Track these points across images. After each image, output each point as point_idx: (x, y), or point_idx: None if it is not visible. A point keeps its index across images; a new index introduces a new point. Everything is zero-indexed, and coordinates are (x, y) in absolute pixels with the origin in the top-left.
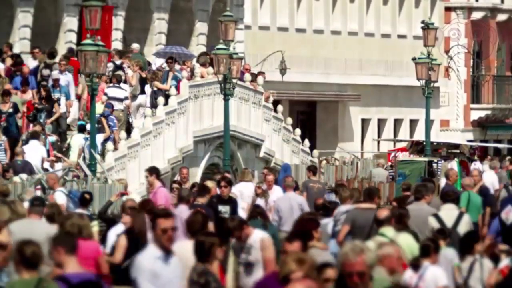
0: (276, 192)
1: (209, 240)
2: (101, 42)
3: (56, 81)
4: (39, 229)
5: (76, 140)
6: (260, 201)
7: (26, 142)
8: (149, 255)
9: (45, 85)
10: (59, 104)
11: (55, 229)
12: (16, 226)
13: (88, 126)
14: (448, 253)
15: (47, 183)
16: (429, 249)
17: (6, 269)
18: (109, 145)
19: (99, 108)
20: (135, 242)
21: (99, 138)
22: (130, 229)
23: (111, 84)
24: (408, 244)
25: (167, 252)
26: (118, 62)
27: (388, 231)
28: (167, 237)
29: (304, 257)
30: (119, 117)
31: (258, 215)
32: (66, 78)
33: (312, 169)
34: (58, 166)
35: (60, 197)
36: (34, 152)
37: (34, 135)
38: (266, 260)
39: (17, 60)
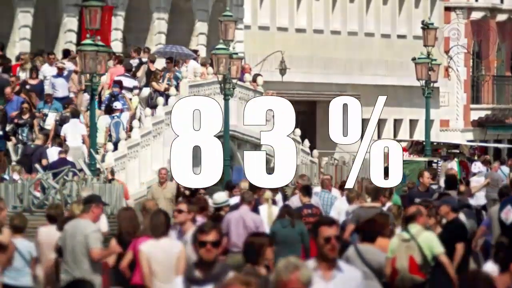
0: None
1: (258, 241)
2: (100, 42)
3: (49, 96)
4: (79, 228)
5: (103, 121)
6: None
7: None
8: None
9: (29, 97)
10: (44, 120)
11: (93, 227)
12: (68, 225)
13: (118, 104)
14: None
15: None
16: None
17: (28, 271)
18: (109, 145)
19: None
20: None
21: (125, 116)
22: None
23: (122, 74)
24: (427, 242)
25: (329, 263)
26: (144, 59)
27: (413, 227)
28: (331, 246)
29: (250, 280)
30: (129, 105)
31: (285, 214)
32: (62, 82)
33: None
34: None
35: None
36: (74, 130)
37: (75, 114)
38: None
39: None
